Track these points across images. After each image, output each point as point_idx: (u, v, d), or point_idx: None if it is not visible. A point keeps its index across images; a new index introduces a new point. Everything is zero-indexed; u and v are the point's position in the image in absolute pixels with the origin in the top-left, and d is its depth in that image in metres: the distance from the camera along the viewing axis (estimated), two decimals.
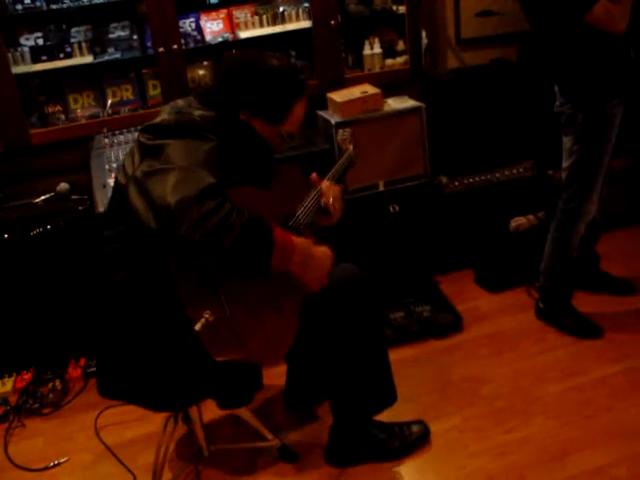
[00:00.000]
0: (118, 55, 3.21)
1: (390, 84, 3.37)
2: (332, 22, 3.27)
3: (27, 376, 3.03)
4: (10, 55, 3.07)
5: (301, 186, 2.17)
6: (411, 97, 3.29)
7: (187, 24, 3.29)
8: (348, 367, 2.24)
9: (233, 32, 3.30)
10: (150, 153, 1.80)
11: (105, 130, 2.94)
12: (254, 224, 1.72)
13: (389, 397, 2.38)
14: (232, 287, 1.83)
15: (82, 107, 3.35)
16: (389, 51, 3.49)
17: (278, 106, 1.96)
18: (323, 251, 1.94)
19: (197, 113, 1.88)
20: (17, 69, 3.08)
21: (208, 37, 3.29)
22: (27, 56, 3.11)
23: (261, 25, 3.31)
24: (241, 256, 1.70)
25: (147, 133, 1.86)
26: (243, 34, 3.28)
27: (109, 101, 3.35)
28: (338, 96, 3.16)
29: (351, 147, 2.47)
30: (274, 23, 3.32)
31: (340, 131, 2.53)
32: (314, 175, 2.25)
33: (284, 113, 1.97)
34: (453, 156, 3.38)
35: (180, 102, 1.98)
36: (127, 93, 3.41)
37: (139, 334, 1.91)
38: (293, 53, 3.49)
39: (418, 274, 3.30)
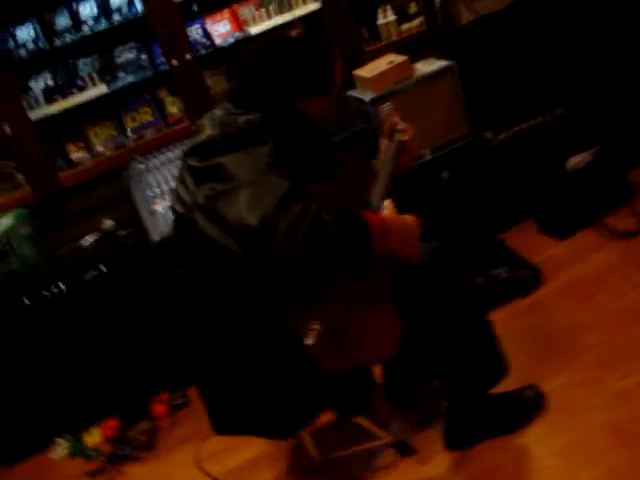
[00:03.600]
0: (131, 78, 3.09)
1: (411, 49, 3.23)
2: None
3: (113, 423, 2.93)
4: (24, 101, 2.97)
5: (365, 169, 2.05)
6: (436, 58, 3.16)
7: (194, 32, 3.16)
8: (455, 344, 2.11)
9: (242, 30, 3.17)
10: (206, 176, 1.66)
11: (137, 157, 2.82)
12: (345, 216, 1.61)
13: (501, 368, 2.26)
14: (332, 290, 1.72)
15: (104, 140, 3.23)
16: (402, 16, 3.35)
17: (323, 72, 1.83)
18: (412, 219, 1.82)
19: (241, 119, 1.74)
20: (34, 114, 2.97)
21: (218, 40, 3.16)
22: (41, 99, 3.00)
23: (269, 17, 3.17)
24: (342, 253, 1.59)
25: (195, 155, 1.72)
26: (253, 30, 3.15)
27: (128, 128, 3.24)
28: (365, 71, 3.03)
29: (400, 136, 2.28)
30: (281, 12, 3.18)
31: (381, 107, 2.39)
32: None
33: (331, 76, 1.84)
34: (492, 109, 3.23)
35: (217, 112, 1.84)
36: (146, 116, 3.29)
37: (244, 365, 1.80)
38: None
39: (483, 237, 3.17)
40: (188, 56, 3.00)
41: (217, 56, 3.19)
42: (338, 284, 1.73)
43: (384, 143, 2.18)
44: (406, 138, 2.09)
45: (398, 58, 3.03)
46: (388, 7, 3.29)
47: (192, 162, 1.72)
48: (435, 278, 2.02)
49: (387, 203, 1.84)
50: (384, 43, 3.32)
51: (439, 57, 3.15)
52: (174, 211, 1.82)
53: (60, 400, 2.91)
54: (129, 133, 3.22)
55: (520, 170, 3.23)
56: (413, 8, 3.35)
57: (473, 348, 2.15)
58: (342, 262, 1.61)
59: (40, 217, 2.98)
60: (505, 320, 2.81)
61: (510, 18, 3.30)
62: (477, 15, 3.42)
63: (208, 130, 1.76)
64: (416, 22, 3.35)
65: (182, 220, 1.78)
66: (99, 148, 3.20)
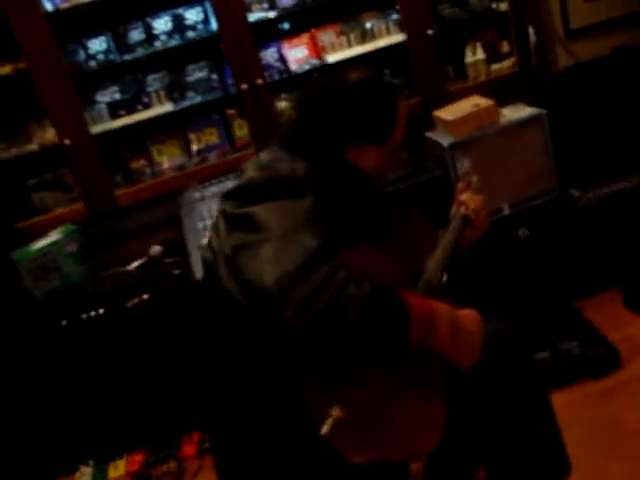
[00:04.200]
0: (199, 98, 2.96)
1: (499, 92, 2.99)
2: (428, 31, 2.91)
3: (139, 457, 2.79)
4: (87, 114, 2.87)
5: (426, 233, 1.81)
6: (526, 103, 2.90)
7: (269, 55, 3.01)
8: (509, 435, 1.85)
9: (320, 57, 3.00)
10: (238, 224, 1.48)
11: (195, 184, 2.68)
12: (379, 294, 1.37)
13: (563, 465, 1.97)
14: (366, 370, 1.49)
15: (167, 158, 3.12)
16: (493, 55, 3.10)
17: (383, 119, 1.63)
18: (470, 315, 1.55)
19: (285, 166, 1.55)
20: (96, 128, 2.87)
21: (293, 66, 3.00)
22: (105, 113, 2.90)
23: (349, 45, 2.99)
24: (369, 338, 1.37)
25: (231, 200, 1.54)
26: (331, 58, 2.97)
27: (194, 147, 3.12)
28: (447, 113, 2.80)
29: (462, 209, 1.95)
30: (363, 41, 3.00)
31: (459, 164, 2.16)
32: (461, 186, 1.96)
33: (392, 124, 1.64)
34: (581, 165, 2.95)
35: (263, 155, 1.66)
36: (212, 137, 3.16)
37: (255, 439, 1.60)
38: (387, 71, 3.16)
39: (558, 303, 2.88)
40: (259, 81, 2.85)
41: (291, 82, 3.02)
42: (369, 364, 1.50)
43: (454, 209, 1.95)
44: (468, 213, 1.86)
45: (484, 101, 2.79)
46: (478, 45, 3.05)
47: (227, 207, 1.55)
48: (490, 368, 1.77)
49: None
50: (471, 84, 3.07)
51: (529, 103, 2.89)
52: (203, 259, 1.66)
53: (91, 426, 2.79)
54: (193, 153, 3.10)
55: (607, 234, 2.93)
56: (505, 47, 3.10)
57: (530, 441, 1.87)
58: (369, 348, 1.39)
59: (91, 234, 2.87)
60: (572, 405, 2.51)
61: (611, 66, 3.00)
62: (575, 60, 3.14)
63: (250, 172, 1.59)
64: (507, 63, 3.09)
65: (208, 269, 1.61)
66: (161, 166, 3.09)
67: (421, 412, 1.54)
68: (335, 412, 1.42)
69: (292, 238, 1.38)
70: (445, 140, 2.75)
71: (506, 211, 2.82)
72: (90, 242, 2.85)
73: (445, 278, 1.76)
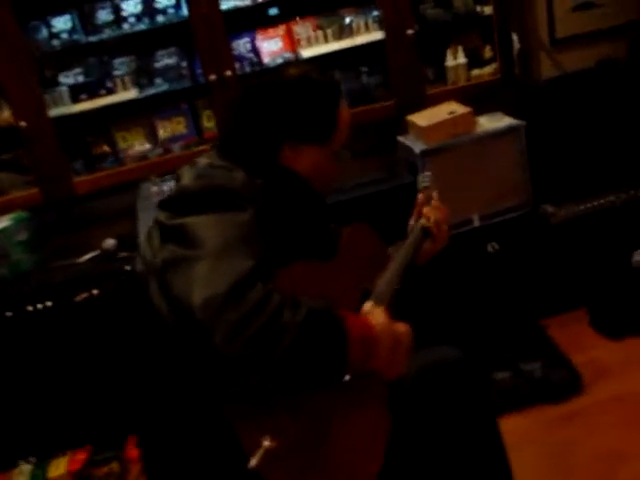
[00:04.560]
0: (165, 87, 2.83)
1: (478, 98, 2.89)
2: (408, 31, 2.80)
3: (81, 455, 2.68)
4: (48, 97, 2.74)
5: (376, 250, 1.71)
6: (505, 113, 2.80)
7: (241, 45, 2.89)
8: (457, 467, 1.78)
9: (294, 51, 2.88)
10: (171, 236, 1.37)
11: (153, 177, 2.56)
12: (317, 317, 1.28)
13: None
14: (294, 395, 1.39)
15: (132, 146, 3.00)
16: (475, 60, 2.99)
17: (321, 118, 1.53)
18: (405, 329, 1.47)
19: (222, 175, 1.45)
20: (55, 111, 2.74)
21: (266, 59, 2.88)
22: (66, 96, 2.77)
23: (325, 40, 2.87)
24: (304, 364, 1.28)
25: (166, 210, 1.43)
26: (305, 52, 2.85)
27: (160, 135, 3.00)
28: (421, 119, 2.70)
29: (423, 220, 1.86)
30: (340, 37, 2.88)
31: (420, 177, 2.05)
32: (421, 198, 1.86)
33: (331, 123, 1.54)
34: (557, 180, 2.86)
35: (201, 161, 1.54)
36: (180, 126, 3.03)
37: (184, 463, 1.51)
38: (365, 69, 3.05)
39: (523, 321, 2.80)
40: (228, 72, 2.73)
41: (262, 75, 2.89)
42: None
43: (412, 221, 1.86)
44: (429, 225, 1.77)
45: (460, 108, 2.69)
46: (460, 48, 2.94)
47: (161, 217, 1.44)
48: (441, 401, 1.69)
49: (369, 306, 1.50)
50: (450, 87, 2.96)
51: (509, 112, 2.80)
52: (135, 270, 1.55)
53: (34, 421, 2.68)
54: (159, 142, 2.98)
55: (578, 253, 2.85)
56: (488, 52, 2.99)
57: (475, 467, 1.80)
58: (304, 375, 1.30)
59: (43, 221, 2.75)
60: (530, 428, 2.45)
61: (594, 79, 2.92)
62: (560, 70, 3.05)
63: (185, 181, 1.48)
64: (489, 69, 2.98)
65: (140, 280, 1.51)
66: (125, 153, 2.97)
67: (361, 425, 1.45)
68: (266, 442, 1.32)
69: (225, 257, 1.28)
70: (417, 146, 2.65)
71: (476, 223, 2.73)
72: (42, 230, 2.73)
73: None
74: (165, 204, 1.46)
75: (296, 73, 1.54)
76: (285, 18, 2.93)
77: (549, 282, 2.86)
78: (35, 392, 2.64)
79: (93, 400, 2.66)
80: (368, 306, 1.49)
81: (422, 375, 1.72)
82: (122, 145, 3.00)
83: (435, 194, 1.93)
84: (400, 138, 2.79)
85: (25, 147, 2.73)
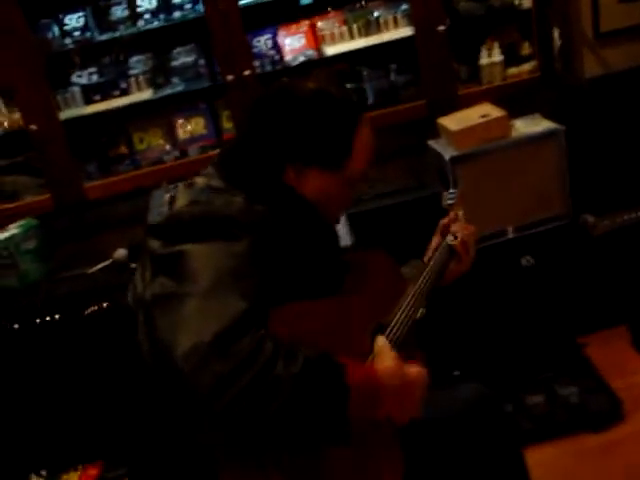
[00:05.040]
0: (181, 87, 2.70)
1: (514, 99, 2.69)
2: (439, 27, 2.61)
3: (93, 471, 2.59)
4: (59, 98, 2.63)
5: (392, 278, 1.54)
6: (544, 115, 2.60)
7: (262, 42, 2.73)
8: None
9: (317, 48, 2.71)
10: (163, 267, 1.24)
11: (165, 184, 2.42)
12: (314, 368, 1.14)
13: None
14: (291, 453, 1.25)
15: (150, 147, 2.87)
16: (511, 57, 2.78)
17: (335, 141, 1.36)
18: (417, 373, 1.31)
19: (219, 200, 1.31)
20: (67, 113, 2.63)
21: (288, 57, 2.72)
22: (78, 97, 2.65)
23: (351, 37, 2.69)
24: (298, 421, 1.13)
25: (158, 237, 1.29)
26: (330, 50, 2.69)
27: (179, 135, 2.87)
28: (452, 122, 2.51)
29: (450, 238, 1.74)
30: (367, 33, 2.70)
31: (445, 194, 1.89)
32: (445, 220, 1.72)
33: (346, 148, 1.36)
34: (599, 188, 2.64)
35: (199, 181, 1.39)
36: (199, 127, 2.90)
37: None
38: (393, 67, 2.87)
39: (560, 340, 2.61)
40: (247, 72, 2.57)
41: (284, 74, 2.74)
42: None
43: (434, 242, 1.70)
44: (455, 243, 1.64)
45: (495, 111, 2.49)
46: (495, 45, 2.74)
47: (152, 244, 1.30)
48: (465, 444, 1.54)
49: (380, 343, 1.33)
50: (484, 87, 2.76)
51: (547, 115, 2.59)
52: (128, 300, 1.44)
53: (44, 434, 2.60)
54: (178, 142, 2.85)
55: (620, 267, 2.65)
56: (526, 49, 2.78)
57: None
58: (299, 431, 1.16)
59: (53, 228, 2.65)
60: (565, 458, 2.28)
61: None
62: (605, 68, 2.81)
63: (179, 204, 1.34)
64: (527, 67, 2.77)
65: (130, 312, 1.39)
66: (142, 155, 2.85)
67: (372, 472, 1.31)
68: None
69: (215, 296, 1.15)
70: (447, 152, 2.46)
71: (510, 235, 2.54)
72: (52, 238, 2.62)
73: (422, 312, 1.51)
74: (157, 230, 1.32)
75: (312, 87, 1.37)
76: (314, 10, 2.76)
77: (588, 297, 2.66)
78: (47, 405, 2.55)
79: (104, 415, 2.56)
80: (380, 343, 1.33)
81: (443, 417, 1.58)
82: (139, 147, 2.88)
83: (461, 213, 1.77)
84: (431, 142, 2.60)
85: (35, 151, 2.62)
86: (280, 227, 1.32)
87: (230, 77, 2.57)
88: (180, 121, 2.88)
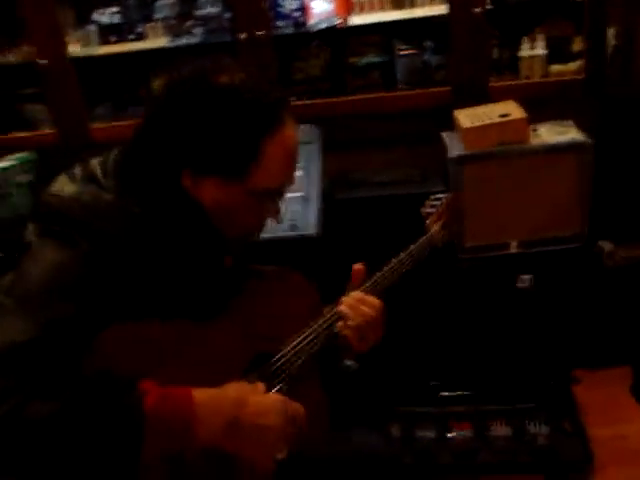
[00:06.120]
0: (197, 39, 2.57)
1: (552, 100, 2.42)
2: (476, 9, 2.35)
3: None
4: (77, 35, 2.59)
5: (301, 310, 1.37)
6: (578, 123, 2.32)
7: (288, 1, 2.56)
8: None
9: (344, 15, 2.52)
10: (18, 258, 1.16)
11: None
12: (90, 398, 1.04)
13: None
14: None
15: None
16: (557, 53, 2.48)
17: (234, 146, 1.16)
18: (269, 402, 1.17)
19: (86, 193, 1.19)
20: (80, 51, 2.58)
21: (311, 20, 2.54)
22: (94, 37, 2.59)
23: (382, 8, 2.49)
24: (87, 448, 1.03)
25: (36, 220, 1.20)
26: (356, 19, 2.50)
27: None
28: (467, 116, 2.28)
29: (435, 227, 1.63)
30: (399, 6, 2.49)
31: (428, 200, 1.71)
32: (358, 268, 1.48)
33: (248, 156, 1.16)
34: (622, 214, 2.36)
35: (93, 163, 1.26)
36: None
37: None
38: (429, 44, 2.63)
39: (549, 370, 2.38)
40: (261, 32, 2.42)
41: (300, 40, 2.58)
42: None
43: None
44: (343, 332, 1.35)
45: (516, 112, 2.24)
46: (541, 37, 2.45)
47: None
48: None
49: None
50: (521, 82, 2.50)
51: (581, 124, 2.30)
52: None
53: None
54: None
55: (632, 304, 2.37)
56: (577, 45, 2.47)
57: None
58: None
59: (51, 164, 2.64)
60: None
61: None
62: None
63: (57, 186, 1.24)
64: (573, 66, 2.47)
65: None
66: None
67: None
68: None
69: (16, 311, 1.06)
70: (454, 149, 2.25)
71: (513, 249, 2.31)
72: (47, 174, 2.61)
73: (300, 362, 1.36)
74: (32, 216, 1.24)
75: (229, 80, 1.16)
76: None
77: (590, 330, 2.41)
78: None
79: None
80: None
81: (337, 465, 1.44)
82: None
83: (436, 227, 1.60)
84: (444, 134, 2.38)
85: (44, 86, 2.60)
86: (152, 234, 1.19)
87: (243, 35, 2.44)
88: None
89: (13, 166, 2.51)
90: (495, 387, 2.35)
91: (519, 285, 2.30)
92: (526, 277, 2.30)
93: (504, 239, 2.31)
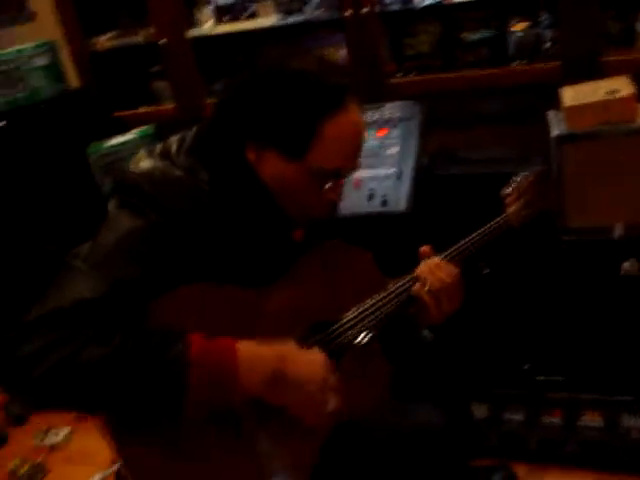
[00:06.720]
0: (302, 17, 2.62)
1: None
2: None
3: None
4: (195, 15, 2.73)
5: (362, 284, 1.43)
6: None
7: None
8: None
9: None
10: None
11: None
12: (137, 345, 1.15)
13: None
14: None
15: None
16: None
17: (295, 124, 1.25)
18: (311, 356, 1.26)
19: (144, 165, 1.32)
20: (196, 31, 2.72)
21: None
22: (210, 16, 2.72)
23: None
24: (133, 395, 1.16)
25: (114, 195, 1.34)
26: None
27: None
28: (572, 94, 2.17)
29: (514, 207, 1.61)
30: None
31: (512, 179, 1.70)
32: (425, 249, 1.51)
33: (308, 135, 1.25)
34: None
35: (172, 140, 1.40)
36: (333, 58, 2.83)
37: None
38: (545, 17, 2.52)
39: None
40: (365, 9, 2.43)
41: (406, 17, 2.55)
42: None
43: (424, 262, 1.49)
44: (420, 294, 1.41)
45: (625, 89, 2.10)
46: None
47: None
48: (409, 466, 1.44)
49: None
50: (637, 56, 2.33)
51: None
52: None
53: None
54: None
55: None
56: None
57: None
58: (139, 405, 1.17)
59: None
60: None
61: None
62: None
63: (142, 164, 1.35)
64: None
65: None
66: None
67: None
68: None
69: (82, 273, 1.20)
70: (556, 128, 2.16)
71: (617, 233, 2.20)
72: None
73: (366, 340, 1.41)
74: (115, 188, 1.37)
75: (298, 66, 1.27)
76: None
77: None
78: None
79: None
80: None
81: (394, 438, 1.48)
82: None
83: (513, 208, 1.62)
84: (550, 113, 2.29)
85: (165, 63, 2.77)
86: (218, 210, 1.29)
87: (348, 12, 2.46)
88: (316, 49, 2.83)
89: (134, 139, 2.70)
90: (591, 376, 2.26)
91: (623, 270, 2.18)
92: (631, 263, 2.18)
93: (609, 222, 2.21)
